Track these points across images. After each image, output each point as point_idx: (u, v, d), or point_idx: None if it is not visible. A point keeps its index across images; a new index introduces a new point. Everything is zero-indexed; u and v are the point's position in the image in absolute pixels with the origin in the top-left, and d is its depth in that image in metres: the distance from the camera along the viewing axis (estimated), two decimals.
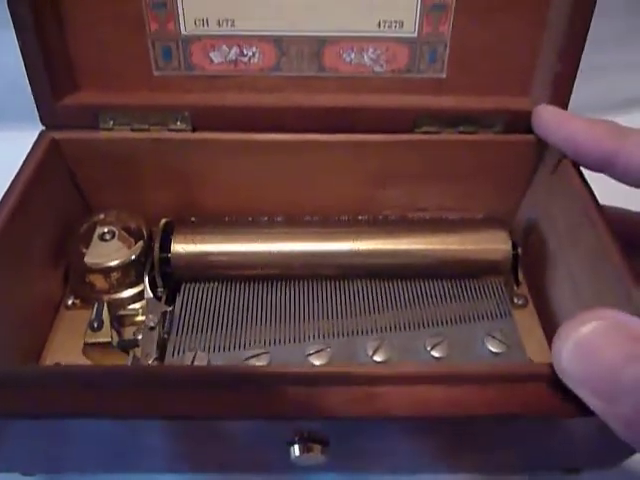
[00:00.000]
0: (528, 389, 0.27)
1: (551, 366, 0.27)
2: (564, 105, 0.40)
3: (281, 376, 0.27)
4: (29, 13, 0.36)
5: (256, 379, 0.27)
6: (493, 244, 0.39)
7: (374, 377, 0.27)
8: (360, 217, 0.43)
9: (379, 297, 0.38)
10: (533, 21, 0.39)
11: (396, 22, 0.40)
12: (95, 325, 0.35)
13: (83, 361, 0.36)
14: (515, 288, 0.40)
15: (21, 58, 0.38)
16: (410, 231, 0.40)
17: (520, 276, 0.40)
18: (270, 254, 0.39)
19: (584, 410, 0.25)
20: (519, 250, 0.39)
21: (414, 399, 0.26)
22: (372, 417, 0.26)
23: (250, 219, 0.42)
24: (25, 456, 0.33)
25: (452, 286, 0.39)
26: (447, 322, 0.37)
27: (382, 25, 0.40)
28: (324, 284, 0.39)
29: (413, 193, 0.44)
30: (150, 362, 0.34)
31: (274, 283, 0.39)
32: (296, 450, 0.29)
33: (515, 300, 0.40)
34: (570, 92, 0.40)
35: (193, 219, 0.41)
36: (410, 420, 0.27)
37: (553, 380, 0.26)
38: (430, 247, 0.39)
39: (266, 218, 0.42)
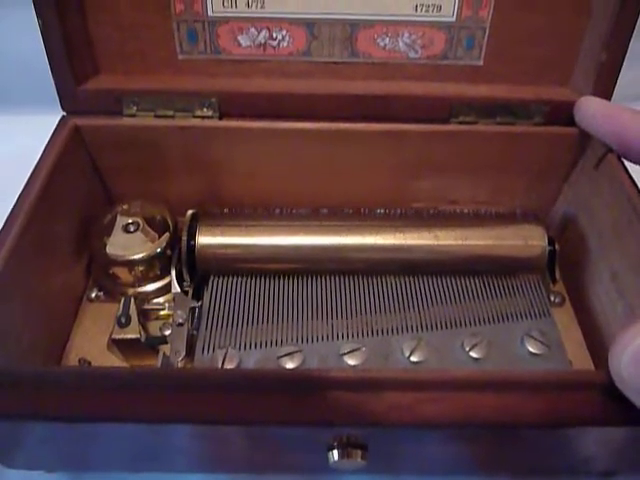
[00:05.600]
0: (581, 397, 0.26)
1: (605, 374, 0.26)
2: (608, 96, 0.38)
3: (324, 381, 0.25)
4: None
5: (297, 383, 0.25)
6: (529, 240, 0.38)
7: (421, 382, 0.25)
8: (391, 210, 0.41)
9: (412, 294, 0.37)
10: (578, 7, 0.37)
11: (434, 5, 0.38)
12: (122, 321, 0.33)
13: (107, 356, 0.35)
14: (551, 286, 0.39)
15: (41, 41, 0.36)
16: (444, 226, 0.38)
17: (557, 273, 0.39)
18: (299, 247, 0.37)
19: None
20: (556, 246, 0.38)
21: (462, 406, 0.25)
22: (419, 424, 0.25)
23: (278, 211, 0.40)
24: (49, 455, 0.33)
25: (487, 283, 0.38)
26: (484, 321, 0.36)
27: (419, 8, 0.38)
28: (356, 280, 0.37)
29: (445, 185, 0.42)
30: (180, 360, 0.33)
31: (304, 278, 0.37)
32: (335, 455, 0.27)
33: (552, 298, 0.39)
34: (615, 83, 0.38)
35: (225, 210, 0.39)
36: (457, 428, 0.26)
37: (607, 388, 0.25)
38: (464, 242, 0.38)
39: (298, 210, 0.41)
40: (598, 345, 0.36)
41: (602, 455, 0.32)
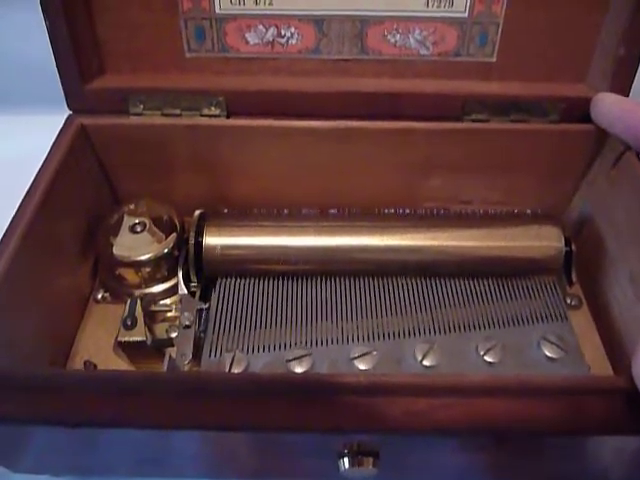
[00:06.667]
0: (601, 404, 0.25)
1: (626, 379, 0.25)
2: (625, 92, 0.37)
3: (335, 386, 0.25)
4: None
5: (307, 389, 0.25)
6: (545, 241, 0.37)
7: (436, 388, 0.25)
8: (402, 210, 0.41)
9: (424, 296, 0.36)
10: (594, 1, 0.36)
11: (446, 0, 0.37)
12: (129, 323, 0.33)
13: (113, 358, 0.35)
14: (568, 288, 0.38)
15: (47, 40, 0.36)
16: (457, 226, 0.37)
17: (573, 275, 0.38)
18: (308, 248, 0.37)
19: None
20: (573, 247, 0.37)
21: (477, 412, 0.24)
22: (433, 431, 0.24)
23: (286, 211, 0.40)
24: (55, 459, 0.32)
25: (501, 285, 0.37)
26: (498, 324, 0.35)
27: (431, 4, 0.37)
28: (366, 281, 0.37)
29: (458, 185, 0.41)
30: (186, 363, 0.32)
31: (314, 279, 0.37)
32: (345, 463, 0.27)
33: (568, 301, 0.38)
34: (633, 78, 0.37)
35: (232, 210, 0.39)
36: (472, 434, 0.25)
37: (628, 394, 0.24)
38: (478, 244, 0.37)
39: (304, 210, 0.40)
40: (617, 349, 0.35)
41: (620, 464, 0.31)
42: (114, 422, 0.25)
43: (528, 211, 0.41)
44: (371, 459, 0.27)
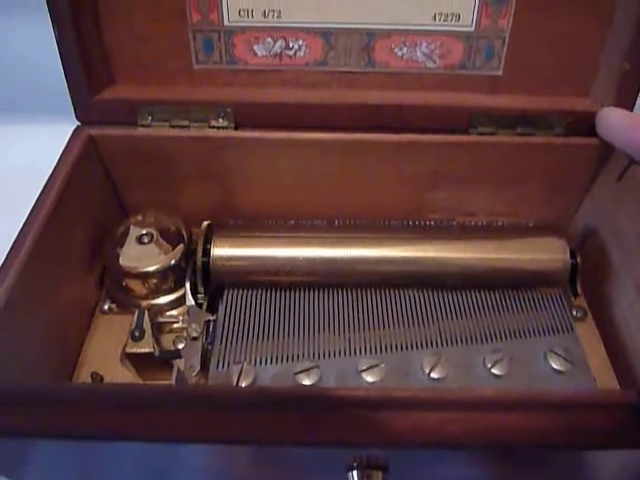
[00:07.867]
0: (609, 418, 0.25)
1: (634, 393, 0.25)
2: (630, 107, 0.38)
3: (345, 400, 0.25)
4: (66, 5, 0.34)
5: (317, 402, 0.25)
6: (550, 253, 0.37)
7: (447, 402, 0.25)
8: (408, 222, 0.41)
9: (431, 308, 0.36)
10: (598, 16, 0.36)
11: (453, 15, 0.37)
12: (136, 334, 0.33)
13: (120, 370, 0.35)
14: (573, 300, 0.38)
15: (56, 51, 0.36)
16: (462, 238, 0.38)
17: (578, 287, 0.38)
18: (315, 259, 0.37)
19: None
20: (578, 259, 0.37)
21: (488, 426, 0.24)
22: (444, 445, 0.24)
23: (292, 222, 0.40)
24: (60, 472, 0.32)
25: (507, 297, 0.37)
26: (504, 336, 0.35)
27: (437, 18, 0.37)
28: (373, 292, 0.37)
29: (463, 197, 0.42)
30: (194, 375, 0.32)
31: (321, 290, 0.37)
32: (354, 476, 0.27)
33: (573, 312, 0.38)
34: (637, 93, 0.37)
35: (239, 221, 0.39)
36: (483, 448, 0.25)
37: (636, 408, 0.24)
38: (484, 256, 0.37)
39: (311, 222, 0.40)
40: (622, 361, 0.35)
41: (627, 477, 0.31)
42: (120, 435, 0.25)
43: (534, 223, 0.41)
44: (380, 473, 0.27)
